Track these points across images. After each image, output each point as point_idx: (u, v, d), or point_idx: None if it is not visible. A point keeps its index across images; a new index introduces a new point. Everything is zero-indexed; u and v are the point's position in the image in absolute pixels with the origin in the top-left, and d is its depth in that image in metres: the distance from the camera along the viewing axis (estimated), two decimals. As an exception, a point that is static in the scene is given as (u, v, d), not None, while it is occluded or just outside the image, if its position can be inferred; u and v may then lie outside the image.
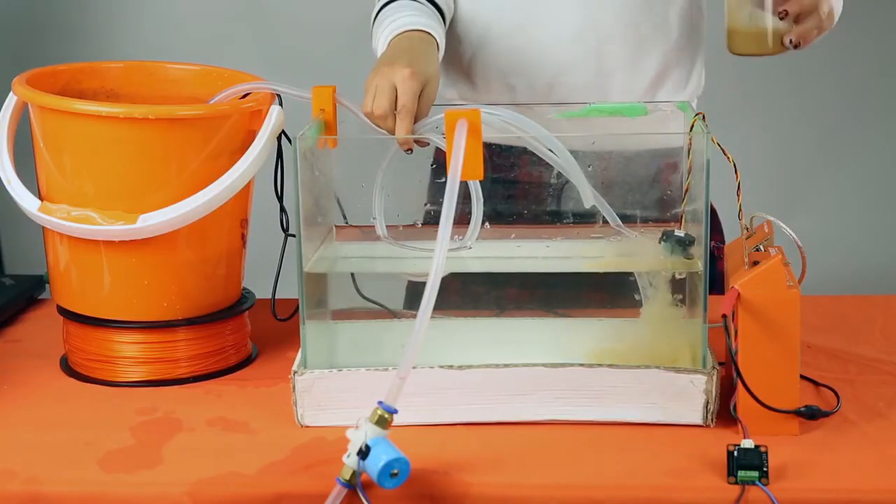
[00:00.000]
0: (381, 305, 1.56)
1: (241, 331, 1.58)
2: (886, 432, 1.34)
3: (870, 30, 3.17)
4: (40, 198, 1.50)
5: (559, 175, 1.44)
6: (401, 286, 1.57)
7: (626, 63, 1.75)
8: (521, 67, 1.75)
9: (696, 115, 1.42)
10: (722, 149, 1.38)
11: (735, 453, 1.23)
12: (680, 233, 1.45)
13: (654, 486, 1.24)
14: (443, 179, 1.26)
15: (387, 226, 1.49)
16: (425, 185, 1.58)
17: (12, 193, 1.49)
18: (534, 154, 1.44)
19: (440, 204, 1.25)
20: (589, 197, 1.43)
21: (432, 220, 1.50)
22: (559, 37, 1.73)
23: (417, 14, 1.62)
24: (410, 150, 1.45)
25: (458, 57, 1.79)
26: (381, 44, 1.59)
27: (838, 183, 3.25)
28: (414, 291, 1.54)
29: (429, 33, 1.57)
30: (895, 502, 1.22)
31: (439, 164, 1.49)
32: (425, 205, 1.53)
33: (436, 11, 1.69)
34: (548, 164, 1.43)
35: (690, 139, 1.40)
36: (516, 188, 1.54)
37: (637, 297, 1.46)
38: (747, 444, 1.23)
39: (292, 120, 1.50)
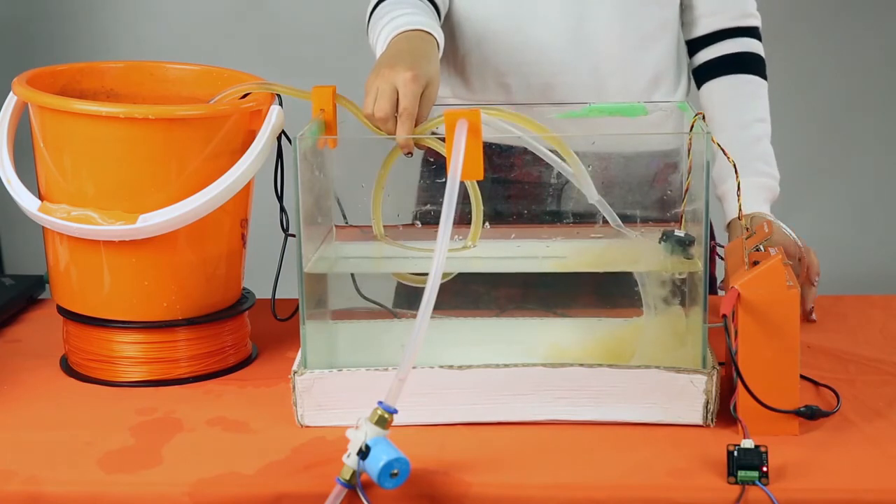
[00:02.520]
0: (382, 305, 1.56)
1: (241, 331, 1.58)
2: (886, 432, 1.34)
3: (870, 29, 3.17)
4: (40, 198, 1.50)
5: (559, 175, 1.44)
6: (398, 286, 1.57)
7: (623, 64, 1.75)
8: (517, 67, 1.75)
9: (696, 115, 1.42)
10: (722, 149, 1.38)
11: (735, 453, 1.23)
12: (680, 233, 1.45)
13: (654, 486, 1.24)
14: (442, 179, 1.26)
15: (387, 226, 1.49)
16: (425, 184, 1.58)
17: (12, 193, 1.49)
18: (534, 154, 1.44)
19: (434, 202, 1.25)
20: (593, 193, 1.43)
21: (423, 219, 1.50)
22: (556, 36, 1.73)
23: (416, 12, 1.61)
24: (410, 153, 1.45)
25: (453, 54, 1.79)
26: (380, 43, 1.59)
27: (838, 183, 3.25)
28: (404, 290, 1.54)
29: (429, 33, 1.57)
30: (895, 502, 1.22)
31: (439, 164, 1.49)
32: (426, 204, 1.53)
33: (432, 7, 1.69)
34: (548, 164, 1.43)
35: (690, 139, 1.40)
36: (516, 188, 1.54)
37: (637, 296, 1.46)
38: (747, 444, 1.23)
39: (292, 120, 1.50)
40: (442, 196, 1.24)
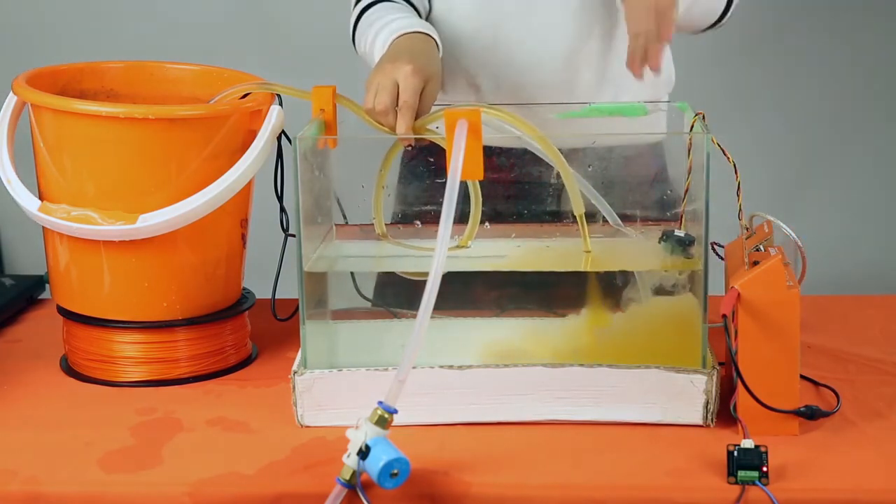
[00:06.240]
0: (382, 305, 1.56)
1: (241, 331, 1.58)
2: (886, 432, 1.34)
3: (868, 30, 3.17)
4: (40, 198, 1.50)
5: (559, 175, 1.44)
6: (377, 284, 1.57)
7: (593, 61, 1.73)
8: (488, 68, 1.73)
9: (696, 115, 1.43)
10: (722, 149, 1.38)
11: (735, 453, 1.23)
12: (680, 233, 1.45)
13: (654, 486, 1.24)
14: (422, 181, 1.26)
15: (386, 224, 1.49)
16: (425, 184, 1.58)
17: (12, 193, 1.49)
18: (533, 154, 1.45)
19: (413, 203, 1.24)
20: (579, 204, 1.43)
21: (402, 221, 1.50)
22: (528, 37, 1.71)
23: (409, 16, 1.62)
24: (411, 145, 1.45)
25: None
26: (378, 46, 1.59)
27: (838, 183, 3.25)
28: (384, 283, 1.54)
29: (429, 35, 1.57)
30: (895, 502, 1.22)
31: (422, 164, 1.49)
32: (426, 205, 1.52)
33: (416, 11, 1.69)
34: (548, 164, 1.43)
35: (690, 139, 1.41)
36: (516, 188, 1.54)
37: (637, 296, 1.46)
38: (747, 444, 1.23)
39: (292, 120, 1.50)
40: (422, 197, 1.25)
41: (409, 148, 1.46)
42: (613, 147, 1.48)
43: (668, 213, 1.48)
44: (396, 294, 1.52)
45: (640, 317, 1.45)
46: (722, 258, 1.46)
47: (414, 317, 1.22)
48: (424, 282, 1.23)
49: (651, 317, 1.44)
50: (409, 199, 1.52)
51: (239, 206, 1.53)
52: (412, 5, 1.70)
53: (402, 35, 1.57)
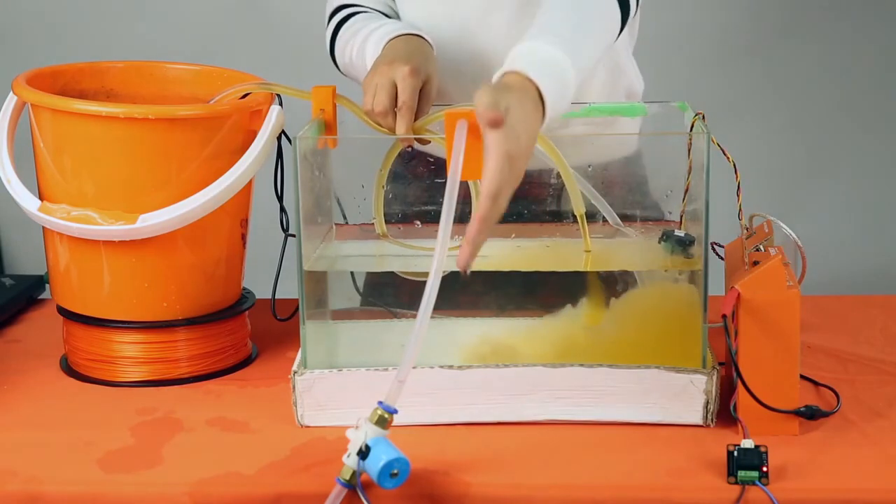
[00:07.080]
0: (382, 305, 1.56)
1: (241, 331, 1.58)
2: (886, 432, 1.34)
3: (867, 30, 3.17)
4: (40, 198, 1.50)
5: (559, 175, 1.44)
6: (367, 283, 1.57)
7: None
8: (447, 88, 1.70)
9: (696, 115, 1.43)
10: (722, 149, 1.38)
11: (735, 453, 1.23)
12: (680, 233, 1.45)
13: (654, 486, 1.24)
14: (419, 181, 1.26)
15: (387, 223, 1.49)
16: (425, 184, 1.57)
17: (12, 193, 1.49)
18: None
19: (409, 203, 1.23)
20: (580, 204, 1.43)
21: (403, 220, 1.50)
22: (492, 50, 1.66)
23: (393, 21, 1.61)
24: (411, 146, 1.45)
25: None
26: (369, 51, 1.57)
27: (838, 183, 3.25)
28: (372, 284, 1.54)
29: (421, 37, 1.57)
30: (895, 502, 1.22)
31: (417, 165, 1.49)
32: (425, 205, 1.52)
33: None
34: (548, 165, 1.43)
35: (690, 139, 1.41)
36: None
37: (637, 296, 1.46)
38: (747, 444, 1.23)
39: (292, 120, 1.50)
40: (422, 197, 1.24)
41: (409, 149, 1.46)
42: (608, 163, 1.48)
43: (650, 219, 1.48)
44: (388, 293, 1.52)
45: (639, 316, 1.45)
46: (722, 258, 1.47)
47: (410, 316, 1.22)
48: (416, 281, 1.23)
49: (651, 316, 1.44)
50: (409, 198, 1.51)
51: (239, 206, 1.53)
52: (388, 17, 1.69)
53: (395, 37, 1.56)
